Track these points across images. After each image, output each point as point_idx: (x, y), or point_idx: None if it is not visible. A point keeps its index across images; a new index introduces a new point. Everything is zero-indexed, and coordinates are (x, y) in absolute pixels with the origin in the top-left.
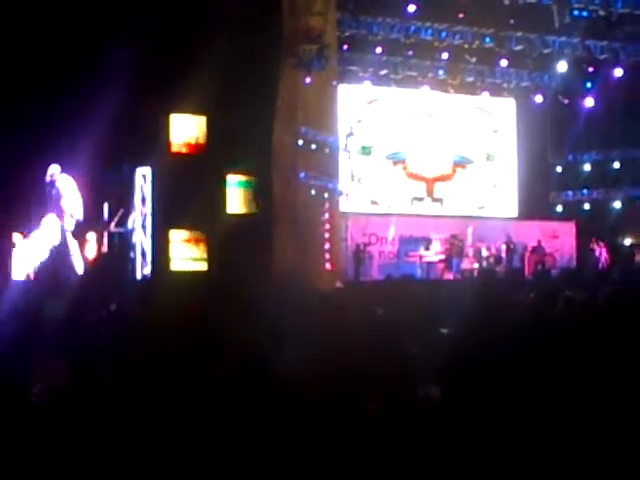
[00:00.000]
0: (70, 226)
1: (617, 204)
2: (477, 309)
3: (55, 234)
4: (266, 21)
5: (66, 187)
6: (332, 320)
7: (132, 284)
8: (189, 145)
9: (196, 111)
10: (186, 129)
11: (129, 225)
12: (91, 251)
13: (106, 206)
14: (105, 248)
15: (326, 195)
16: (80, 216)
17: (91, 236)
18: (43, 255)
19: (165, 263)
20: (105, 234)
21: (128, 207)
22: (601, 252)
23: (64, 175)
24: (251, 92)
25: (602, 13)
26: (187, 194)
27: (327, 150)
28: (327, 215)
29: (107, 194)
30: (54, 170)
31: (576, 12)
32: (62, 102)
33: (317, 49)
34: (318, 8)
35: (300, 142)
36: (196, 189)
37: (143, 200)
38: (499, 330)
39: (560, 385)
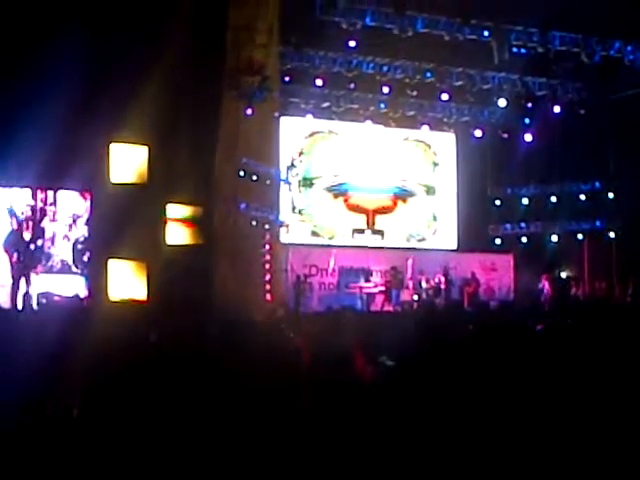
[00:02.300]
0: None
1: (554, 237)
2: (417, 341)
3: None
4: (208, 53)
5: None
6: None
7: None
8: (129, 175)
9: (137, 141)
10: (127, 159)
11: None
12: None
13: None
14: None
15: (267, 226)
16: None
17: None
18: None
19: (104, 293)
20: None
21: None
22: (544, 285)
23: None
24: (193, 123)
25: (540, 50)
26: (127, 224)
27: (268, 181)
28: (268, 246)
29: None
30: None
31: (515, 49)
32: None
33: (259, 81)
34: (260, 40)
35: (241, 173)
36: (136, 219)
37: (70, 227)
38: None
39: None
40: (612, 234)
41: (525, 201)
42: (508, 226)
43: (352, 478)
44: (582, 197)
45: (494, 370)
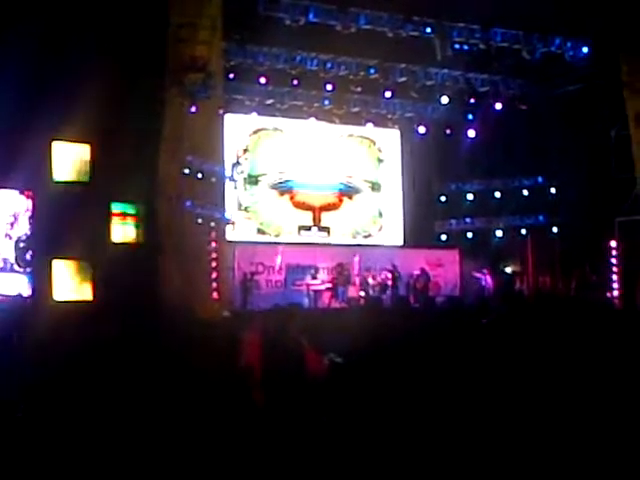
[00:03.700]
0: None
1: (499, 233)
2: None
3: None
4: (150, 49)
5: None
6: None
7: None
8: (72, 173)
9: (80, 139)
10: (69, 157)
11: None
12: None
13: None
14: None
15: (212, 224)
16: None
17: None
18: None
19: (48, 293)
20: None
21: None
22: (486, 279)
23: None
24: (136, 121)
25: (482, 47)
26: (71, 223)
27: (213, 179)
28: (213, 244)
29: None
30: None
31: (457, 46)
32: None
33: (202, 78)
34: (203, 37)
35: (186, 171)
36: (80, 218)
37: (12, 225)
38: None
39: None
40: (555, 229)
41: (470, 197)
42: (453, 222)
43: (308, 475)
44: (525, 192)
45: (440, 363)
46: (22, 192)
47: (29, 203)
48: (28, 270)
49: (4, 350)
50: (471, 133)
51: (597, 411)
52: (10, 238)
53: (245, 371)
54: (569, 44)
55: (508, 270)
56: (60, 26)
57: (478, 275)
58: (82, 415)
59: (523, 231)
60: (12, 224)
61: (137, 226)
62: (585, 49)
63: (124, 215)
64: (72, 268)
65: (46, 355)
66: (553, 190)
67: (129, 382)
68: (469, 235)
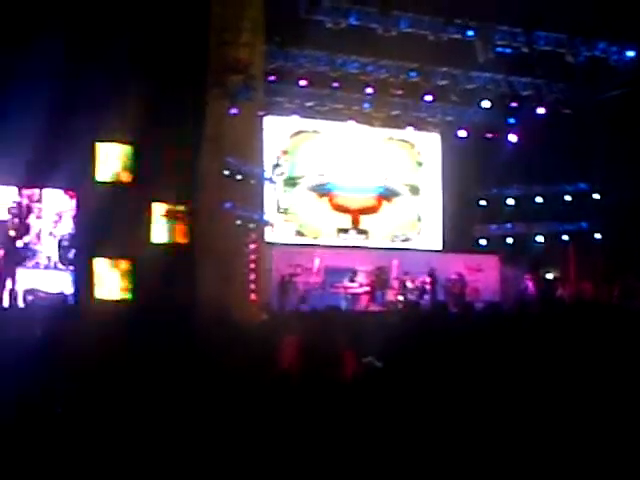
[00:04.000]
0: None
1: (539, 238)
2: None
3: None
4: (192, 51)
5: None
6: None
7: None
8: (114, 174)
9: (122, 140)
10: (112, 158)
11: (39, 248)
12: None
13: (13, 232)
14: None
15: (251, 226)
16: None
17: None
18: None
19: (89, 291)
20: (15, 258)
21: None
22: (528, 285)
23: None
24: (177, 122)
25: (525, 50)
26: (112, 222)
27: (253, 181)
28: (252, 246)
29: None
30: None
31: (499, 49)
32: None
33: (243, 80)
34: (245, 39)
35: (226, 172)
36: (122, 217)
37: (55, 223)
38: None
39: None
40: (598, 235)
41: (510, 202)
42: (493, 227)
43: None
44: (567, 198)
45: (481, 369)
46: (66, 191)
47: (73, 202)
48: (71, 268)
49: (45, 346)
50: (512, 137)
51: None
52: (54, 237)
53: (283, 374)
54: (614, 48)
55: (549, 276)
56: (103, 27)
57: (523, 279)
58: (120, 414)
59: (565, 237)
60: (56, 223)
61: (177, 227)
62: (630, 53)
63: (165, 215)
64: (113, 267)
65: (86, 352)
66: (596, 196)
67: (167, 382)
68: (509, 240)
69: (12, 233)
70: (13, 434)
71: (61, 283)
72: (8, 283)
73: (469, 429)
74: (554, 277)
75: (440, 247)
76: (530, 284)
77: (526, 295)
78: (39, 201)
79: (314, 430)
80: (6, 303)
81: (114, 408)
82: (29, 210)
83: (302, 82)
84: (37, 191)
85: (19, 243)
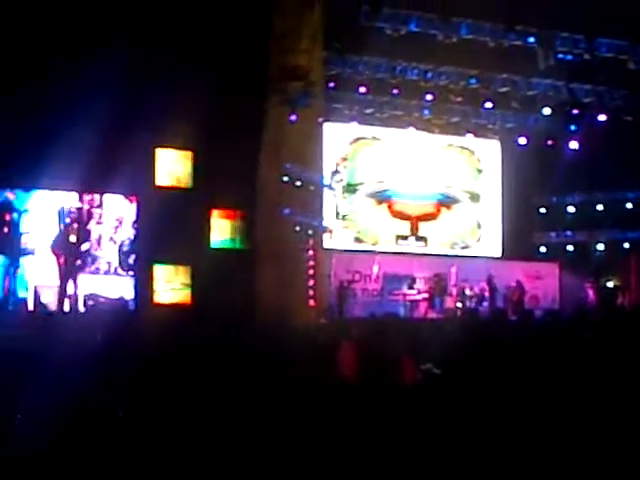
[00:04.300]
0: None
1: (600, 246)
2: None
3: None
4: (253, 58)
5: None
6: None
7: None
8: (174, 179)
9: (182, 146)
10: (172, 164)
11: (99, 253)
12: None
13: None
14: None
15: (310, 232)
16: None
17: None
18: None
19: (149, 296)
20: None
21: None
22: (589, 293)
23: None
24: (237, 128)
25: (586, 57)
26: (172, 228)
27: (312, 187)
28: (311, 252)
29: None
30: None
31: (560, 55)
32: (46, 129)
33: (303, 87)
34: (305, 46)
35: (285, 178)
36: (181, 223)
37: (116, 229)
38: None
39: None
40: None
41: (571, 209)
42: (553, 234)
43: None
44: (629, 205)
45: (540, 378)
46: (127, 197)
47: (133, 208)
48: (130, 274)
49: (106, 350)
50: (573, 144)
51: None
52: (114, 242)
53: (342, 379)
54: None
55: (610, 284)
56: (164, 34)
57: (583, 287)
58: (180, 418)
59: (626, 245)
60: (116, 228)
61: (236, 232)
62: None
63: (224, 221)
64: (173, 272)
65: (146, 356)
66: None
67: (227, 386)
68: (569, 248)
69: (73, 239)
70: (75, 438)
71: (121, 288)
72: (69, 288)
73: (528, 437)
74: (615, 285)
75: (499, 254)
76: (590, 292)
77: (586, 303)
78: (99, 206)
79: (374, 435)
80: (67, 308)
81: (175, 412)
82: (89, 216)
83: (362, 89)
84: (97, 197)
85: (80, 249)
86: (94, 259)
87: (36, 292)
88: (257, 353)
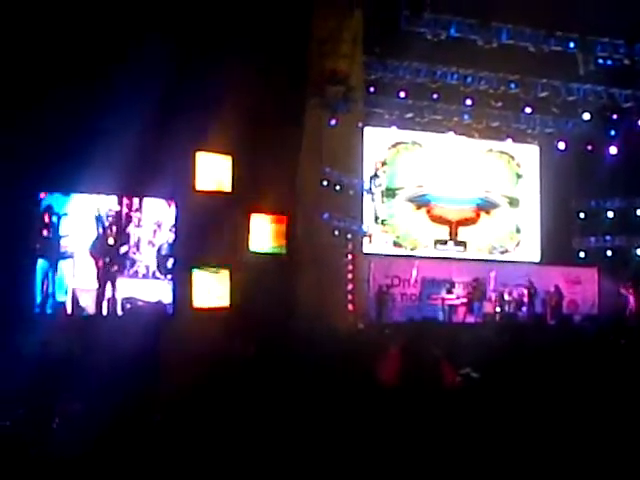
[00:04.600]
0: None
1: (639, 251)
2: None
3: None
4: (293, 62)
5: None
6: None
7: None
8: (214, 184)
9: (222, 150)
10: (212, 168)
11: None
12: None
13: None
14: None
15: (349, 236)
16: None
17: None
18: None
19: (188, 300)
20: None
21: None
22: (629, 298)
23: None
24: (277, 132)
25: (626, 62)
26: (211, 232)
27: (351, 191)
28: (350, 256)
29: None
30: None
31: (601, 60)
32: (86, 132)
33: (343, 91)
34: (345, 51)
35: (324, 183)
36: (220, 227)
37: (154, 232)
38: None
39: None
40: None
41: (610, 214)
42: (592, 239)
43: None
44: None
45: (579, 383)
46: (166, 201)
47: (172, 212)
48: (169, 277)
49: (143, 354)
50: (613, 150)
51: None
52: (153, 246)
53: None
54: None
55: None
56: (205, 39)
57: (623, 291)
58: (219, 422)
59: None
60: (155, 232)
61: (276, 236)
62: None
63: (263, 225)
64: (211, 276)
65: (184, 360)
66: None
67: (266, 390)
68: (608, 253)
69: (111, 242)
70: (113, 442)
71: (159, 292)
72: (107, 291)
73: (563, 441)
74: None
75: (538, 259)
76: (630, 297)
77: (626, 308)
78: (138, 210)
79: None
80: (105, 311)
81: (213, 416)
82: (128, 219)
83: (401, 93)
84: (137, 200)
85: (118, 252)
86: (132, 263)
87: (74, 295)
88: (296, 357)
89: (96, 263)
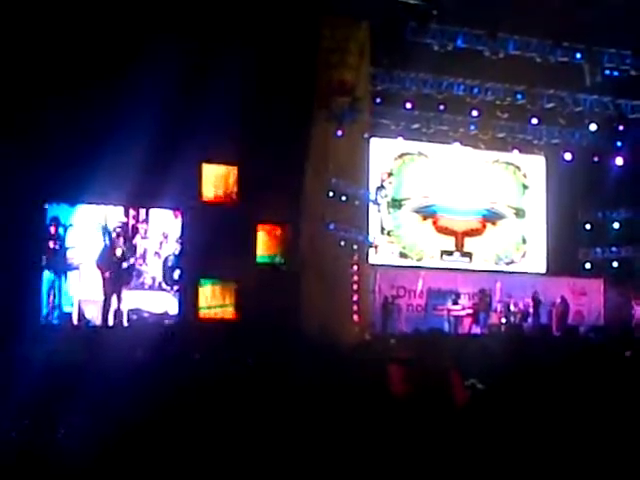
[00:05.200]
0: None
1: None
2: (507, 365)
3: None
4: (299, 73)
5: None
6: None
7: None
8: (220, 194)
9: (228, 161)
10: (218, 179)
11: (144, 268)
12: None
13: (119, 251)
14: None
15: (355, 247)
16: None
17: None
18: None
19: (193, 311)
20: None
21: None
22: (636, 309)
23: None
24: (283, 143)
25: (633, 73)
26: (217, 242)
27: (357, 202)
28: (356, 267)
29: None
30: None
31: (607, 71)
32: (93, 144)
33: (349, 102)
34: (351, 62)
35: (330, 193)
36: (226, 238)
37: (161, 244)
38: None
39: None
40: None
41: (616, 225)
42: (598, 250)
43: None
44: None
45: (585, 395)
46: (173, 212)
47: (178, 223)
48: (175, 288)
49: (149, 365)
50: (619, 161)
51: None
52: (159, 257)
53: (389, 396)
54: None
55: None
56: (211, 51)
57: (633, 304)
58: (226, 433)
59: None
60: (161, 243)
61: (281, 247)
62: None
63: (269, 236)
64: (217, 287)
65: (189, 371)
66: None
67: (272, 401)
68: (614, 264)
69: (118, 253)
70: (118, 453)
71: (165, 303)
72: (113, 302)
73: (571, 452)
74: None
75: (544, 270)
76: (638, 309)
77: (632, 319)
78: (145, 221)
79: (423, 448)
80: (111, 322)
81: (217, 427)
82: (135, 230)
83: (408, 104)
84: (143, 211)
85: (124, 264)
86: (139, 274)
87: (80, 306)
88: (302, 367)
89: (102, 274)
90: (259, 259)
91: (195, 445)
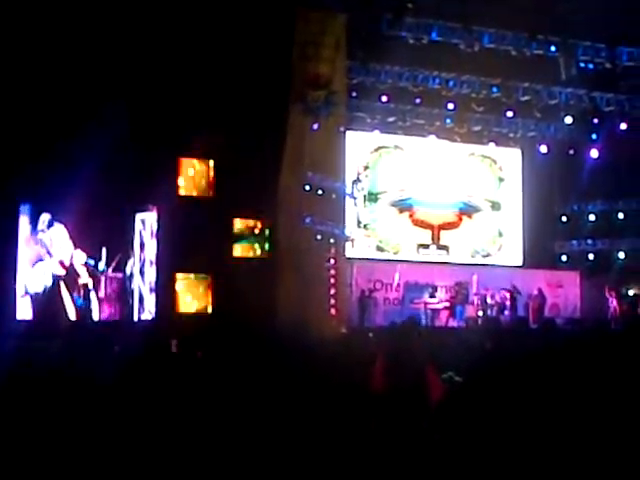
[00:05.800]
0: (60, 272)
1: (621, 254)
2: (484, 357)
3: (46, 280)
4: (275, 66)
5: (56, 235)
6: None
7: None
8: (196, 189)
9: (204, 155)
10: (194, 173)
11: (127, 271)
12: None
13: (104, 251)
14: (102, 293)
15: (332, 240)
16: (69, 263)
17: (87, 281)
18: (36, 298)
19: (170, 305)
20: (102, 279)
21: (127, 252)
22: (612, 301)
23: (55, 223)
24: (258, 137)
25: (608, 66)
26: (193, 237)
27: (333, 196)
28: (332, 261)
29: (106, 239)
30: (44, 218)
31: (582, 64)
32: (63, 145)
33: (325, 95)
34: (327, 55)
35: (306, 187)
36: (202, 232)
37: (142, 245)
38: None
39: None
40: None
41: (592, 217)
42: (574, 242)
43: None
44: None
45: (562, 386)
46: (149, 207)
47: (154, 218)
48: (152, 283)
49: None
50: (594, 153)
51: None
52: (138, 251)
53: (365, 388)
54: None
55: (631, 292)
56: (186, 45)
57: (607, 296)
58: (203, 423)
59: None
60: (139, 238)
61: (258, 241)
62: None
63: (246, 230)
64: (194, 281)
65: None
66: None
67: (248, 394)
68: (590, 256)
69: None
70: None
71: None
72: (92, 300)
73: (547, 445)
74: (635, 294)
75: (520, 263)
76: (614, 301)
77: (608, 312)
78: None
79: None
80: (87, 318)
81: (198, 421)
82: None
83: (384, 98)
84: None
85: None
86: (117, 268)
87: (58, 302)
88: (278, 361)
89: (80, 271)
90: (238, 252)
91: (176, 439)
